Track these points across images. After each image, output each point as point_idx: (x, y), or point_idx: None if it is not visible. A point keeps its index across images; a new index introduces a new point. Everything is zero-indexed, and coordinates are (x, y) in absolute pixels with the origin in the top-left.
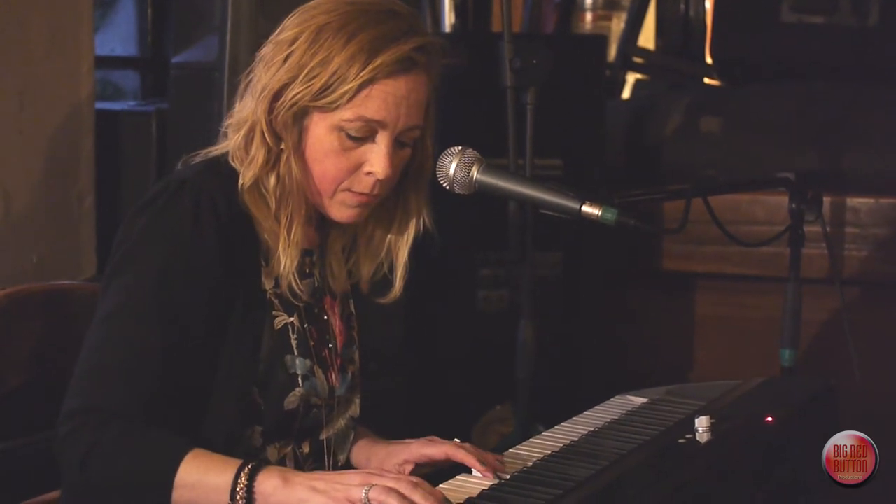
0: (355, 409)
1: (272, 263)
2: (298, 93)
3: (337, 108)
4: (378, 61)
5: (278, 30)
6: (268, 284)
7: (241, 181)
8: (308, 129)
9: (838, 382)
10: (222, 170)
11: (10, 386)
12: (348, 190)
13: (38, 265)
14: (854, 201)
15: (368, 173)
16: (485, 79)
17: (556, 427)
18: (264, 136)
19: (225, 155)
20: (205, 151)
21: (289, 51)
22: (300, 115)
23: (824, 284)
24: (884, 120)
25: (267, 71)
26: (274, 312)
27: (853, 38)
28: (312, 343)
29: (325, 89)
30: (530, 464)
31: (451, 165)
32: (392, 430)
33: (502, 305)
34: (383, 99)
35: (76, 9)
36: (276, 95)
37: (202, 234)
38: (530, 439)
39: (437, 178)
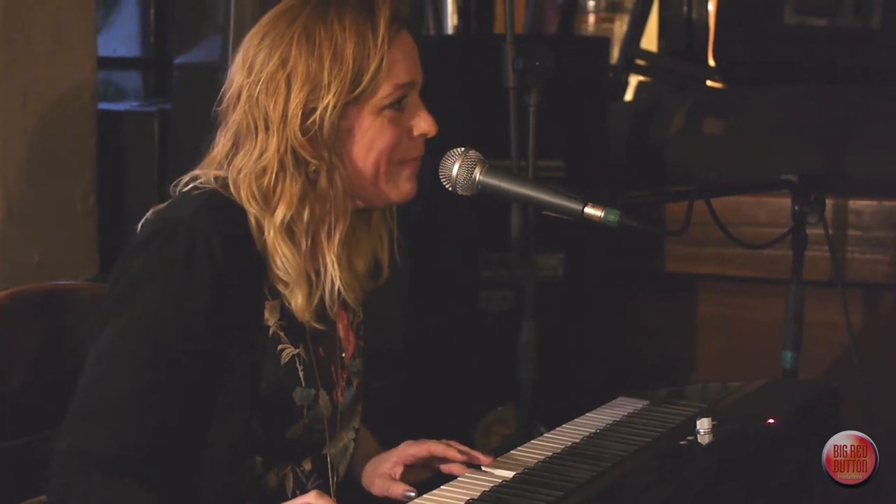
0: (358, 420)
1: (295, 298)
2: (333, 95)
3: (374, 90)
4: (381, 29)
5: (245, 69)
6: (272, 319)
7: (272, 221)
8: (351, 128)
9: (840, 385)
10: (220, 205)
11: (12, 385)
12: (403, 161)
13: (39, 264)
14: (857, 204)
15: (419, 135)
16: (487, 80)
17: (557, 428)
18: (299, 164)
19: (221, 188)
20: (191, 176)
21: (287, 71)
22: (341, 118)
23: (826, 287)
24: (886, 122)
25: (273, 101)
26: (280, 346)
27: (856, 40)
28: (319, 365)
29: (355, 79)
30: (532, 465)
31: (454, 167)
32: (391, 428)
33: (504, 307)
34: (403, 60)
35: (79, 9)
36: (306, 115)
37: (195, 278)
38: (532, 441)
39: (439, 179)
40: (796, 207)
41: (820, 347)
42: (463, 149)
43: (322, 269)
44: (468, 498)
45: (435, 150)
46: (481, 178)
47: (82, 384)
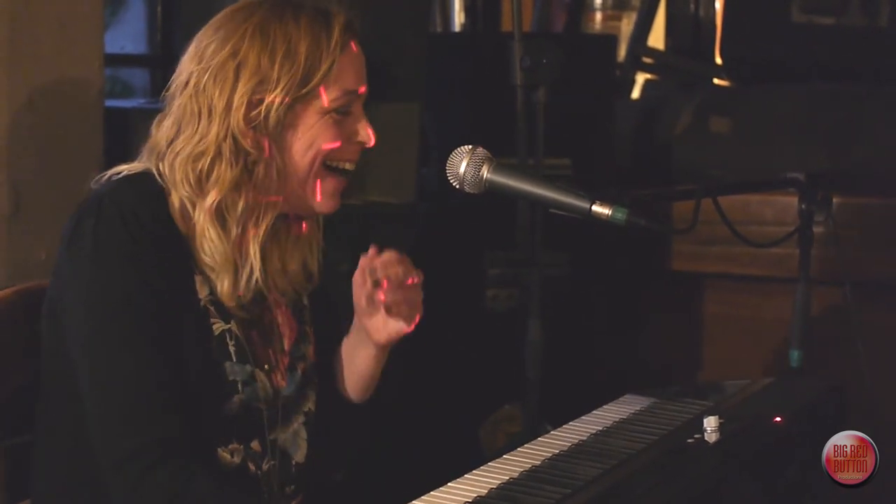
0: (310, 405)
1: (221, 282)
2: (282, 90)
3: (322, 91)
4: (335, 34)
5: (196, 58)
6: (202, 292)
7: (203, 205)
8: (296, 124)
9: (846, 383)
10: (142, 186)
11: (20, 382)
12: (335, 165)
13: (46, 262)
14: (864, 202)
15: (358, 143)
16: (495, 78)
17: (564, 426)
18: (238, 152)
19: (145, 174)
20: (111, 171)
21: (236, 62)
22: (287, 114)
23: (833, 285)
24: (893, 120)
25: (220, 89)
26: (211, 320)
27: (863, 38)
28: (254, 347)
29: (305, 77)
30: (539, 463)
31: (462, 164)
32: (396, 425)
33: (511, 305)
34: (351, 67)
35: (86, 6)
36: (251, 105)
37: (139, 243)
38: (538, 438)
39: (447, 176)
40: (803, 206)
41: (826, 346)
42: (470, 147)
43: (245, 256)
44: (475, 495)
45: (443, 148)
46: (489, 175)
47: (102, 383)
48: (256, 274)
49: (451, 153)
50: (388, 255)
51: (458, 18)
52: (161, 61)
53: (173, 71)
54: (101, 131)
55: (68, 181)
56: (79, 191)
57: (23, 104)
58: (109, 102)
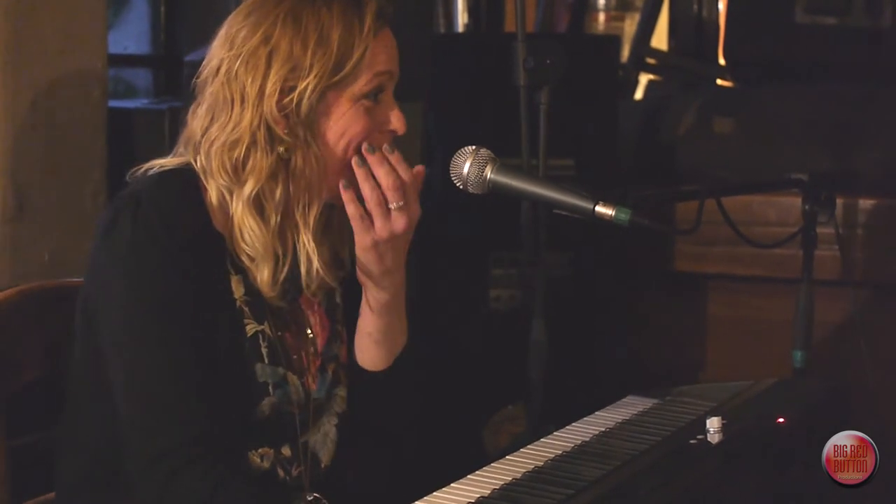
0: (341, 405)
1: (261, 273)
2: (314, 77)
3: (355, 78)
4: (367, 20)
5: (227, 44)
6: (237, 292)
7: (241, 194)
8: (328, 111)
9: (850, 384)
10: (180, 182)
11: (24, 382)
12: None
13: (50, 262)
14: (867, 203)
15: (390, 131)
16: (498, 78)
17: (567, 427)
18: (272, 140)
19: (183, 169)
20: (148, 165)
21: (268, 48)
22: (319, 101)
23: (836, 286)
24: None
25: (252, 76)
26: (245, 320)
27: (867, 39)
28: (287, 348)
29: (338, 64)
30: (541, 463)
31: (465, 165)
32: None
33: (514, 305)
34: (384, 53)
35: (90, 6)
36: (284, 93)
37: (176, 242)
38: (541, 439)
39: (450, 177)
40: (806, 206)
41: (829, 347)
42: (474, 147)
43: (298, 248)
44: (478, 496)
45: (446, 148)
46: (492, 176)
47: (134, 383)
48: (316, 264)
49: (454, 153)
50: (399, 158)
51: (461, 19)
52: (164, 62)
53: (177, 71)
54: (105, 131)
55: (71, 181)
56: (82, 191)
57: (26, 104)
58: (112, 103)
